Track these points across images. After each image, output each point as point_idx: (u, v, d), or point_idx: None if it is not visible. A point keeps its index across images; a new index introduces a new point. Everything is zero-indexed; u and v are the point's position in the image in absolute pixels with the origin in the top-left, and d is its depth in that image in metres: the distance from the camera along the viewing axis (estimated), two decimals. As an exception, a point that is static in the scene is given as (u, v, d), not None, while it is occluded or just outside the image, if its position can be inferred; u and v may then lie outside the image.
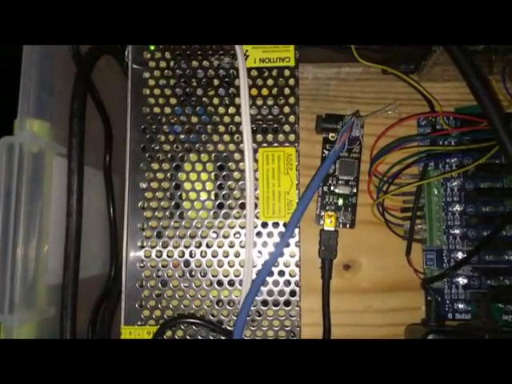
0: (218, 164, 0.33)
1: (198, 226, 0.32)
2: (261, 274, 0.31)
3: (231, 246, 0.32)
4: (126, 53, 0.33)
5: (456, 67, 0.29)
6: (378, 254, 0.36)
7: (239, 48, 0.32)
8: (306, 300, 0.34)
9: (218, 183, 0.32)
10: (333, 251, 0.34)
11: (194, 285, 0.32)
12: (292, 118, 0.33)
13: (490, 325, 0.30)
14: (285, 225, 0.32)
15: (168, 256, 0.32)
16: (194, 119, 0.33)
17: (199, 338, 0.31)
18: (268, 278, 0.32)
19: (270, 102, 0.33)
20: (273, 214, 0.32)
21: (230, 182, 0.32)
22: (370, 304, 0.36)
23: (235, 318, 0.31)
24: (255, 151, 0.32)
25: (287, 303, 0.32)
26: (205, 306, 0.32)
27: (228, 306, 0.32)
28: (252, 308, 0.31)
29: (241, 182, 0.32)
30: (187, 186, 0.32)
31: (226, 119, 0.33)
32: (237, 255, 0.32)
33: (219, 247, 0.32)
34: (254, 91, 0.33)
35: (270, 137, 0.33)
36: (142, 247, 0.32)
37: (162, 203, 0.32)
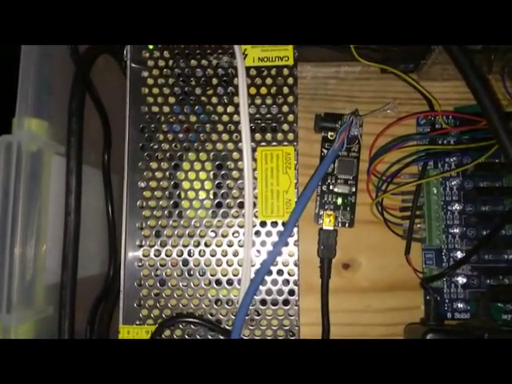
0: (217, 163, 0.33)
1: (196, 225, 0.32)
2: (259, 273, 0.31)
3: (230, 245, 0.32)
4: (125, 52, 0.33)
5: (455, 66, 0.29)
6: (377, 254, 0.36)
7: (238, 47, 0.32)
8: (304, 299, 0.34)
9: (217, 182, 0.32)
10: (332, 250, 0.34)
11: (192, 284, 0.32)
12: (291, 117, 0.33)
13: (490, 324, 0.30)
14: (283, 224, 0.32)
15: (166, 255, 0.32)
16: (193, 118, 0.33)
17: (198, 337, 0.31)
18: (267, 277, 0.32)
19: (268, 101, 0.33)
20: (271, 213, 0.32)
21: (228, 181, 0.32)
22: (369, 303, 0.36)
23: (234, 317, 0.31)
24: (254, 150, 0.32)
25: (286, 302, 0.32)
26: (203, 306, 0.32)
27: (226, 306, 0.32)
28: (251, 307, 0.31)
29: (239, 181, 0.32)
30: (186, 185, 0.32)
31: (225, 118, 0.33)
32: (235, 254, 0.32)
33: (218, 246, 0.32)
34: (253, 90, 0.33)
35: (268, 136, 0.32)
36: (141, 246, 0.32)
37: (160, 202, 0.32)
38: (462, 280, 0.34)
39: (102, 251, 0.36)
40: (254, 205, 0.32)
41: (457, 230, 0.35)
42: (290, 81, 0.33)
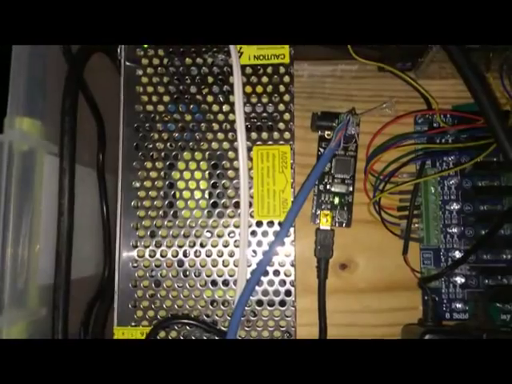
0: (212, 162, 0.32)
1: (191, 226, 0.32)
2: (255, 274, 0.30)
3: (225, 245, 0.32)
4: (119, 50, 0.33)
5: (453, 65, 0.29)
6: (375, 254, 0.36)
7: (233, 45, 0.32)
8: (301, 300, 0.33)
9: (212, 182, 0.32)
10: (329, 250, 0.33)
11: (187, 285, 0.31)
12: (287, 116, 0.32)
13: (488, 325, 0.30)
14: (280, 224, 0.31)
15: (161, 256, 0.32)
16: (188, 117, 0.32)
17: (193, 338, 0.31)
18: (263, 278, 0.31)
19: (264, 100, 0.32)
20: (268, 212, 0.32)
21: (224, 181, 0.32)
22: (367, 304, 0.35)
23: (230, 318, 0.30)
24: (250, 149, 0.32)
25: (282, 303, 0.31)
26: (199, 307, 0.31)
27: (222, 307, 0.31)
28: (247, 308, 0.31)
29: (235, 181, 0.32)
30: (181, 184, 0.32)
31: (220, 117, 0.32)
32: (231, 255, 0.32)
33: (213, 247, 0.32)
34: (249, 89, 0.32)
35: (264, 135, 0.32)
36: (136, 247, 0.32)
37: (155, 202, 0.32)
38: (460, 280, 0.34)
39: (97, 252, 0.35)
40: (250, 204, 0.32)
41: (455, 230, 0.34)
42: (286, 79, 0.32)
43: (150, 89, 0.33)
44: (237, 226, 0.31)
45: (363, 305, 0.35)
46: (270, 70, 0.32)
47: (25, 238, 0.27)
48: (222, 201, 0.32)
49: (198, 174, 0.32)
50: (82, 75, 0.31)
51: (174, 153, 0.32)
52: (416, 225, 0.35)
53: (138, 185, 0.32)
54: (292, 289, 0.31)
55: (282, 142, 0.32)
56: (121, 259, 0.32)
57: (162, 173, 0.32)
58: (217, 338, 0.30)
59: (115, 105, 0.32)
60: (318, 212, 0.35)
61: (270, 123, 0.32)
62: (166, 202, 0.32)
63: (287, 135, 0.32)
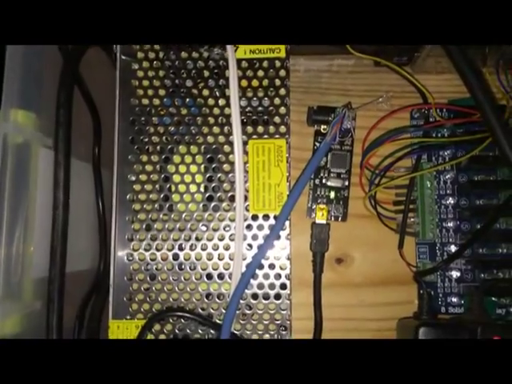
0: (208, 156, 0.32)
1: (187, 219, 0.32)
2: (251, 267, 0.30)
3: (221, 239, 0.32)
4: (115, 44, 0.33)
5: (449, 59, 0.29)
6: (371, 248, 0.36)
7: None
8: (297, 294, 0.34)
9: (208, 175, 0.32)
10: (324, 244, 0.33)
11: (183, 278, 0.31)
12: (283, 110, 0.32)
13: (483, 318, 0.30)
14: (275, 217, 0.31)
15: (157, 249, 0.32)
16: (184, 111, 0.32)
17: (188, 331, 0.31)
18: (258, 271, 0.31)
19: (260, 94, 0.32)
20: (263, 206, 0.32)
21: (219, 175, 0.32)
22: (363, 298, 0.35)
23: (225, 311, 0.30)
24: (245, 143, 0.32)
25: (278, 296, 0.31)
26: (194, 300, 0.31)
27: (218, 300, 0.31)
28: (242, 301, 0.31)
29: (231, 175, 0.32)
30: (176, 178, 0.32)
31: (216, 111, 0.32)
32: (226, 248, 0.32)
33: (209, 240, 0.32)
34: (244, 82, 0.32)
35: (260, 129, 0.32)
36: (131, 240, 0.32)
37: (150, 196, 0.32)
38: (455, 274, 0.34)
39: (93, 246, 0.35)
40: (246, 198, 0.32)
41: (451, 224, 0.34)
42: (282, 73, 0.32)
43: (145, 83, 0.33)
44: (232, 220, 0.31)
45: (359, 299, 0.35)
46: (265, 63, 0.32)
47: (19, 231, 0.27)
48: (218, 194, 0.32)
49: (193, 168, 0.32)
50: (77, 69, 0.31)
51: (169, 146, 0.32)
52: (412, 219, 0.35)
53: (133, 178, 0.32)
54: (287, 282, 0.31)
55: (277, 136, 0.32)
56: (116, 252, 0.32)
57: (158, 166, 0.32)
58: (212, 330, 0.30)
59: (111, 99, 0.32)
60: (314, 206, 0.35)
61: (265, 117, 0.32)
62: (162, 196, 0.32)
63: (283, 129, 0.32)
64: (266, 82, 0.32)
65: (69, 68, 0.30)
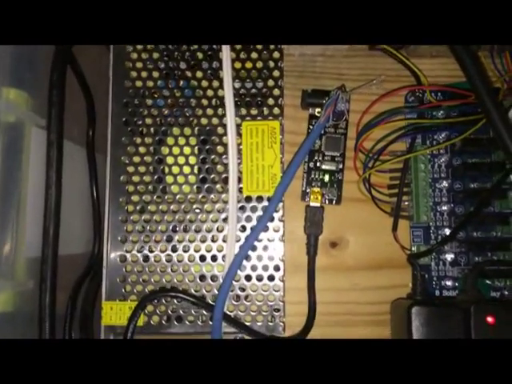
0: (202, 138, 0.32)
1: (180, 201, 0.32)
2: (244, 248, 0.30)
3: (214, 220, 0.32)
4: (108, 26, 0.33)
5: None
6: (365, 232, 0.36)
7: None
8: (291, 278, 0.34)
9: (202, 157, 0.32)
10: (318, 227, 0.33)
11: (176, 260, 0.31)
12: (276, 92, 0.32)
13: (477, 298, 0.30)
14: (269, 199, 0.31)
15: (150, 231, 0.32)
16: (177, 93, 0.32)
17: (181, 312, 0.31)
18: (252, 253, 0.31)
19: (254, 76, 0.32)
20: (257, 188, 0.32)
21: (213, 156, 0.32)
22: (357, 282, 0.35)
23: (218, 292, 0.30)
24: (239, 125, 0.32)
25: (271, 278, 0.31)
26: (187, 281, 0.31)
27: (211, 281, 0.31)
28: (235, 283, 0.31)
29: (224, 156, 0.32)
30: (170, 160, 0.32)
31: (210, 93, 0.32)
32: (220, 230, 0.32)
33: (202, 222, 0.32)
34: (238, 64, 0.32)
35: (254, 110, 0.32)
36: (124, 222, 0.32)
37: (144, 178, 0.32)
38: (450, 257, 0.34)
39: (88, 230, 0.35)
40: (239, 180, 0.32)
41: (445, 208, 0.34)
42: (276, 54, 0.32)
43: (139, 64, 0.33)
44: (226, 202, 0.31)
45: (353, 282, 0.35)
46: (259, 45, 0.32)
47: (12, 210, 0.27)
48: (211, 176, 0.32)
49: (186, 150, 0.32)
50: (70, 49, 0.31)
51: (163, 128, 0.32)
52: (406, 203, 0.34)
53: (126, 160, 0.32)
54: (281, 264, 0.31)
55: (271, 118, 0.32)
56: (109, 234, 0.32)
57: (151, 148, 0.32)
58: (205, 311, 0.30)
59: (105, 81, 0.32)
60: (308, 190, 0.35)
61: (259, 99, 0.32)
62: (155, 178, 0.32)
63: (276, 111, 0.32)
64: (259, 64, 0.32)
65: (62, 47, 0.30)
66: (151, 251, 0.31)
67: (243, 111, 0.32)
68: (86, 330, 0.33)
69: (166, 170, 0.32)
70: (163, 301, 0.31)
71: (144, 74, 0.33)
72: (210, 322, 0.30)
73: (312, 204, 0.34)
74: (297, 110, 0.37)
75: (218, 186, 0.32)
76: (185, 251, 0.31)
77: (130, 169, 0.32)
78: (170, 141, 0.32)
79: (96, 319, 0.33)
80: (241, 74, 0.32)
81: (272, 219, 0.31)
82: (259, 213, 0.31)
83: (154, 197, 0.32)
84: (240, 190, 0.32)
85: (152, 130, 0.32)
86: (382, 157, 0.35)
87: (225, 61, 0.32)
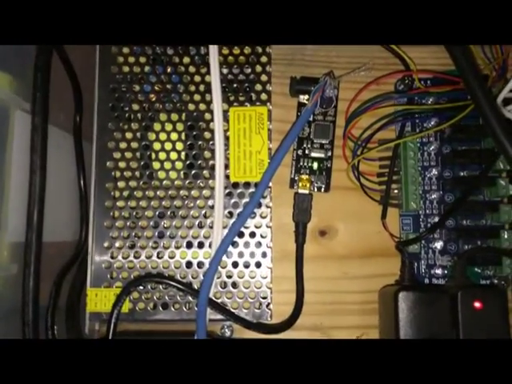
0: (189, 124, 0.32)
1: (167, 187, 0.31)
2: (230, 233, 0.30)
3: (201, 207, 0.31)
4: (95, 11, 0.33)
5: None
6: (355, 220, 0.35)
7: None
8: (279, 267, 0.33)
9: (189, 143, 0.32)
10: (307, 214, 0.33)
11: (162, 246, 0.31)
12: (264, 77, 0.32)
13: (464, 283, 0.29)
14: (256, 185, 0.31)
15: (136, 217, 0.31)
16: (164, 78, 0.32)
17: (167, 298, 0.30)
18: (239, 240, 0.31)
19: (241, 61, 0.32)
20: (244, 174, 0.31)
21: (200, 142, 0.32)
22: (346, 270, 0.35)
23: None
24: (226, 111, 0.32)
25: (258, 265, 0.31)
26: (173, 268, 0.31)
27: (197, 268, 0.31)
28: (222, 270, 0.31)
29: (211, 142, 0.32)
30: (157, 146, 0.32)
31: (197, 79, 0.32)
32: (207, 216, 0.31)
33: (189, 208, 0.31)
34: (225, 50, 0.32)
35: (241, 96, 0.32)
36: (110, 208, 0.31)
37: (130, 163, 0.32)
38: (439, 245, 0.33)
39: (75, 219, 0.35)
40: (226, 166, 0.31)
41: (434, 196, 0.34)
42: (264, 40, 0.32)
43: (125, 50, 0.32)
44: (213, 188, 0.31)
45: (343, 271, 0.35)
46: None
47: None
48: (198, 162, 0.32)
49: (173, 135, 0.32)
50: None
51: (149, 114, 0.32)
52: (395, 191, 0.34)
53: (113, 146, 0.32)
54: (268, 250, 0.31)
55: (258, 104, 0.32)
56: (95, 220, 0.31)
57: (138, 134, 0.32)
58: (190, 298, 0.30)
59: (91, 66, 0.32)
60: (297, 177, 0.34)
61: (247, 85, 0.32)
62: (142, 163, 0.32)
63: (264, 96, 0.32)
64: (247, 50, 0.32)
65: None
66: (137, 237, 0.31)
67: (231, 97, 0.32)
68: (72, 319, 0.33)
69: (153, 155, 0.32)
70: (149, 287, 0.30)
71: (131, 60, 0.32)
72: (196, 309, 0.29)
73: (300, 191, 0.33)
74: (286, 98, 0.36)
75: (204, 172, 0.32)
76: (171, 237, 0.31)
77: (117, 155, 0.32)
78: (157, 127, 0.32)
79: (82, 307, 0.33)
80: (228, 59, 0.32)
81: (259, 205, 0.31)
82: (246, 199, 0.31)
83: (141, 183, 0.31)
84: (227, 176, 0.31)
85: (139, 115, 0.32)
86: (372, 145, 0.35)
87: (212, 46, 0.31)
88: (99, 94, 0.32)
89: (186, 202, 0.31)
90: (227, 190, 0.31)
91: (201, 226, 0.31)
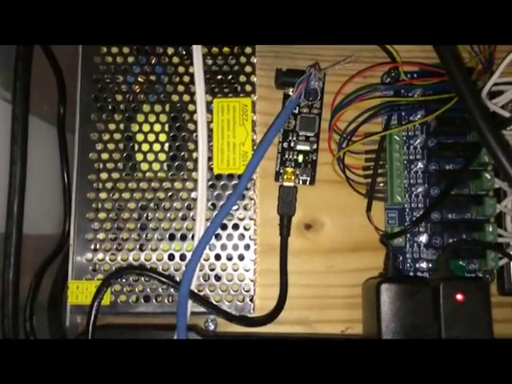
0: (172, 115, 0.32)
1: (150, 179, 0.31)
2: (213, 225, 0.30)
3: (184, 199, 0.31)
4: None
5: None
6: (340, 214, 0.35)
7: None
8: (264, 261, 0.33)
9: (172, 134, 0.32)
10: (291, 207, 0.33)
11: (145, 238, 0.31)
12: (248, 69, 0.32)
13: (446, 276, 0.29)
14: (239, 177, 0.31)
15: (119, 209, 0.31)
16: (148, 69, 0.32)
17: (148, 291, 0.30)
18: (222, 232, 0.31)
19: (225, 52, 0.32)
20: (227, 165, 0.31)
21: (183, 134, 0.32)
22: (332, 264, 0.35)
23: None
24: (210, 102, 0.31)
25: (241, 257, 0.31)
26: (156, 260, 0.31)
27: (180, 260, 0.31)
28: (205, 262, 0.30)
29: (195, 134, 0.31)
30: (140, 137, 0.32)
31: (181, 69, 0.32)
32: (190, 208, 0.31)
33: (172, 200, 0.31)
34: (210, 41, 0.32)
35: (225, 87, 0.32)
36: (92, 200, 0.31)
37: (113, 155, 0.31)
38: (424, 239, 0.33)
39: (59, 211, 0.35)
40: (210, 158, 0.31)
41: (420, 189, 0.34)
42: (248, 31, 0.32)
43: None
44: (196, 180, 0.31)
45: (328, 265, 0.35)
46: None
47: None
48: (181, 154, 0.31)
49: (157, 127, 0.32)
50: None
51: (132, 105, 0.32)
52: (381, 184, 0.34)
53: (95, 137, 0.31)
54: (251, 243, 0.31)
55: (242, 95, 0.32)
56: (77, 212, 0.31)
57: (121, 125, 0.32)
58: (172, 290, 0.30)
59: (74, 57, 0.32)
60: (282, 170, 0.34)
61: (231, 76, 0.32)
62: (125, 155, 0.31)
63: (248, 88, 0.32)
64: (231, 41, 0.32)
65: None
66: (120, 229, 0.31)
67: (215, 88, 0.32)
68: (54, 311, 0.32)
69: (136, 147, 0.31)
70: (131, 280, 0.30)
71: (114, 50, 0.32)
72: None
73: (285, 184, 0.33)
74: (272, 90, 0.36)
75: (188, 163, 0.31)
76: (154, 230, 0.31)
77: (99, 146, 0.31)
78: (140, 118, 0.32)
79: (65, 300, 0.33)
80: (212, 50, 0.32)
81: (243, 197, 0.31)
82: (230, 191, 0.31)
83: (123, 174, 0.31)
84: (210, 168, 0.31)
85: (122, 106, 0.32)
86: (357, 138, 0.34)
87: (196, 37, 0.31)
88: (82, 84, 0.32)
89: (169, 193, 0.31)
90: (210, 182, 0.31)
91: (184, 219, 0.31)
